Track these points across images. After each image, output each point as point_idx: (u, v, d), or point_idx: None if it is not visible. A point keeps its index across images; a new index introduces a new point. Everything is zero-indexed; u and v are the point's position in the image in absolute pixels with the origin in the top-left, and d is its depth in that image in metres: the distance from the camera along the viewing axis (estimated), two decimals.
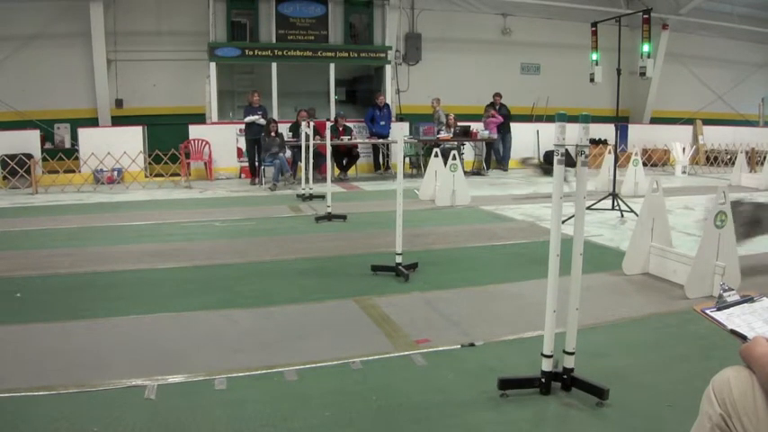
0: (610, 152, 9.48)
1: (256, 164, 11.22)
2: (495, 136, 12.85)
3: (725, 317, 1.78)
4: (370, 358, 3.09)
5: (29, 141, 11.01)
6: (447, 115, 12.61)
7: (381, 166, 12.82)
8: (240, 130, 11.61)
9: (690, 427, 1.64)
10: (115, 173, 11.12)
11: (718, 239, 4.08)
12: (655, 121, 15.90)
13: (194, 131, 11.95)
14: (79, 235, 6.49)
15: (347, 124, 12.05)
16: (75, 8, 11.98)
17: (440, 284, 4.46)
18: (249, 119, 11.01)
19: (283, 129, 11.22)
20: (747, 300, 1.82)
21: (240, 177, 12.04)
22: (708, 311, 1.82)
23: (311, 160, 9.08)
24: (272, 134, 10.77)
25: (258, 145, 11.06)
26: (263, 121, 10.98)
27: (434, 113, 12.87)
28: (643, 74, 7.59)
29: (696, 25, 15.74)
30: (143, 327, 3.60)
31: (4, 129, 11.32)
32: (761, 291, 1.92)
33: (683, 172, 12.76)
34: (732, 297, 1.84)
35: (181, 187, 10.82)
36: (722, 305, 1.82)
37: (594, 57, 7.84)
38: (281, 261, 5.27)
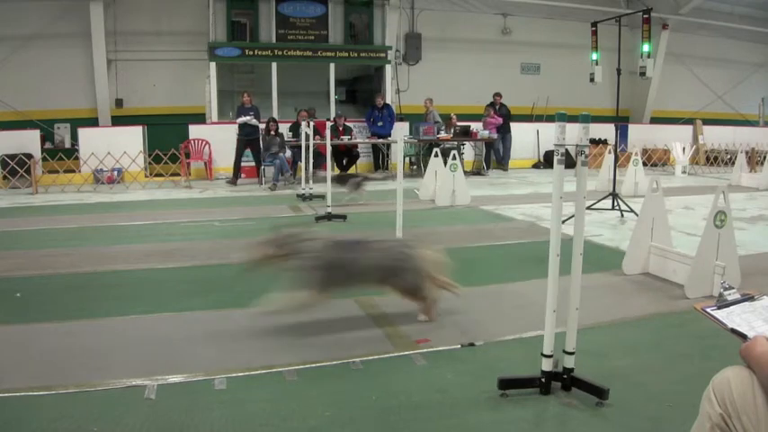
0: (610, 152, 9.47)
1: (248, 165, 11.23)
2: (495, 136, 12.85)
3: (725, 315, 1.77)
4: (370, 358, 3.09)
5: (29, 141, 11.01)
6: (449, 116, 12.60)
7: (381, 167, 12.82)
8: None
9: (690, 427, 1.64)
10: (115, 173, 11.11)
11: (717, 239, 4.08)
12: (655, 121, 15.91)
13: (194, 131, 11.95)
14: (79, 235, 6.48)
15: (347, 124, 12.05)
16: (75, 8, 11.98)
17: None
18: (241, 120, 10.98)
19: (283, 129, 11.23)
20: (748, 298, 1.81)
21: (240, 177, 12.02)
22: (708, 310, 1.82)
23: (311, 160, 9.08)
24: (272, 133, 10.77)
25: (252, 146, 11.08)
26: (255, 122, 10.97)
27: (427, 113, 12.87)
28: (643, 74, 7.60)
29: (696, 25, 15.74)
30: (143, 327, 3.60)
31: (4, 129, 11.33)
32: (761, 290, 1.91)
33: (683, 172, 12.76)
34: (732, 295, 1.84)
35: (181, 187, 10.81)
36: (722, 303, 1.82)
37: (594, 57, 7.84)
38: None
